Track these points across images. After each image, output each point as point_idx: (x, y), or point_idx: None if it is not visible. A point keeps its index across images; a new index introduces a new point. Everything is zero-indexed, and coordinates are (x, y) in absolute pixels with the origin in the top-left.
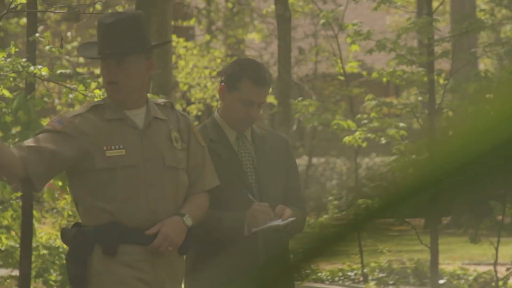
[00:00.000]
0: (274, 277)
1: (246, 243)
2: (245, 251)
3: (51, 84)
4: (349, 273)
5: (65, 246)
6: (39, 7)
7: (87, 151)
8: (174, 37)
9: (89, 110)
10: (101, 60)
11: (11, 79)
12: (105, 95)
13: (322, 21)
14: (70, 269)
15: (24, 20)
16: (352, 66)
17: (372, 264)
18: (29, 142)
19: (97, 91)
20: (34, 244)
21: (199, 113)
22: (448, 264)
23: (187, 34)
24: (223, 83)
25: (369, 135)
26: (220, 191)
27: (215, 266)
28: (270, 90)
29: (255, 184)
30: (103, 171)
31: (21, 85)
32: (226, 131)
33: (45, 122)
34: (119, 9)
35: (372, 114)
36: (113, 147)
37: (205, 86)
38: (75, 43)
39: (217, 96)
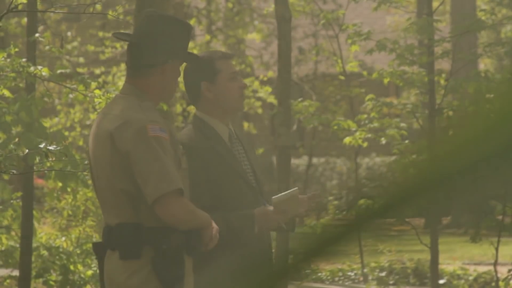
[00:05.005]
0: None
1: (254, 241)
2: (253, 249)
3: (51, 84)
4: (349, 273)
5: (65, 246)
6: (39, 7)
7: None
8: None
9: None
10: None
11: (11, 79)
12: (105, 95)
13: (323, 21)
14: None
15: (24, 20)
16: (352, 66)
17: (372, 264)
18: None
19: (97, 91)
20: (34, 244)
21: None
22: (448, 264)
23: None
24: (203, 82)
25: (369, 135)
26: (226, 190)
27: (223, 265)
28: (270, 90)
29: (254, 182)
30: None
31: (21, 85)
32: (218, 130)
33: (45, 122)
34: (119, 9)
35: (372, 114)
36: None
37: None
38: (75, 43)
39: None
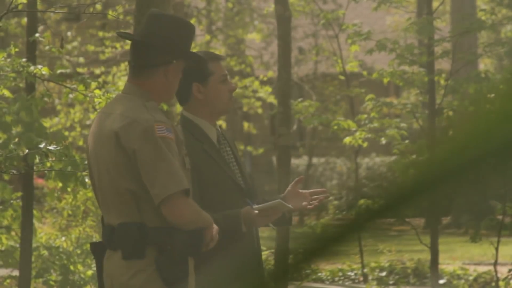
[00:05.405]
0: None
1: (244, 240)
2: (243, 248)
3: (51, 84)
4: (349, 273)
5: (65, 246)
6: (39, 7)
7: None
8: None
9: None
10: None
11: (11, 79)
12: (105, 95)
13: (323, 21)
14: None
15: (24, 20)
16: (352, 66)
17: (372, 264)
18: None
19: (97, 91)
20: (34, 244)
21: None
22: (448, 264)
23: None
24: (194, 83)
25: (369, 135)
26: (215, 191)
27: (215, 266)
28: (270, 90)
29: (242, 183)
30: None
31: (21, 85)
32: (207, 130)
33: (45, 122)
34: (119, 9)
35: (372, 114)
36: None
37: None
38: (75, 43)
39: None
